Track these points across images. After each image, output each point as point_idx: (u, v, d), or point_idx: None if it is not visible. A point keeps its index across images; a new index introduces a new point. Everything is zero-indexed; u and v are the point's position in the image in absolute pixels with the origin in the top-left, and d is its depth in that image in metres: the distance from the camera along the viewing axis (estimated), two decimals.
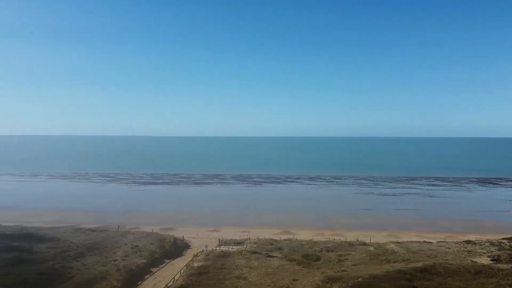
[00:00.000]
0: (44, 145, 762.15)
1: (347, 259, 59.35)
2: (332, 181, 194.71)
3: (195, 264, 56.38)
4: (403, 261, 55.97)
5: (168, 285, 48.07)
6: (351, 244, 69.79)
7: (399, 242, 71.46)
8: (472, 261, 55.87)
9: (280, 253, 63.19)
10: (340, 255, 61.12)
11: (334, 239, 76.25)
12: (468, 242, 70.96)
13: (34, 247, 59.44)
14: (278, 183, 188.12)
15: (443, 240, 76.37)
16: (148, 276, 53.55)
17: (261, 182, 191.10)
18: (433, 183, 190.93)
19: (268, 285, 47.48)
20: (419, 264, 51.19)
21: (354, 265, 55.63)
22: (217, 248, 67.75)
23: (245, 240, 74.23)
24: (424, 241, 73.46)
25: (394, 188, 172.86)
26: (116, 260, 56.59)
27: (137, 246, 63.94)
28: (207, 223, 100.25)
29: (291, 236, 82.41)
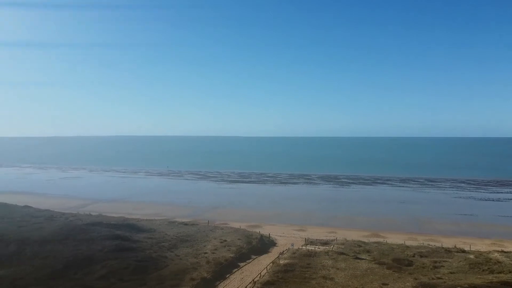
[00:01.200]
0: (133, 144, 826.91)
1: (443, 266, 55.05)
2: (426, 184, 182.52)
3: (281, 262, 56.61)
4: (510, 272, 50.36)
5: (254, 280, 48.87)
6: (447, 251, 64.65)
7: (505, 252, 64.49)
8: None
9: (369, 255, 60.73)
10: (435, 262, 56.90)
11: (429, 245, 71.24)
12: None
13: (134, 237, 64.45)
14: (367, 184, 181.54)
15: None
16: (235, 270, 55.00)
17: (349, 183, 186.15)
18: None
19: None
20: None
21: (451, 273, 51.42)
22: (303, 247, 67.30)
23: (332, 240, 72.70)
24: None
25: (499, 192, 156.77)
26: (206, 253, 59.07)
27: (225, 240, 66.06)
28: (293, 222, 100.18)
29: (380, 239, 78.80)
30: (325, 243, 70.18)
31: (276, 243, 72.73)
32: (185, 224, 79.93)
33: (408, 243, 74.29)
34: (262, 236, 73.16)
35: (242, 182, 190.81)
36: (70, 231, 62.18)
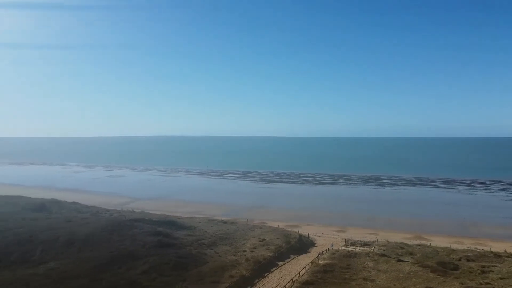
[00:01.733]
0: (174, 144, 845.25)
1: (492, 271, 52.30)
2: (473, 186, 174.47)
3: (321, 262, 55.91)
4: None
5: (293, 279, 48.56)
6: (497, 255, 61.43)
7: None
8: None
9: (412, 258, 58.75)
10: (484, 266, 54.21)
11: (476, 249, 67.98)
12: None
13: (175, 233, 65.80)
14: (410, 185, 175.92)
15: None
16: (274, 268, 54.86)
17: (391, 184, 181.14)
18: None
19: None
20: None
21: (501, 278, 48.78)
22: (343, 247, 66.18)
23: (373, 242, 70.98)
24: None
25: None
26: (245, 251, 59.35)
27: (264, 239, 66.09)
28: (333, 223, 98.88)
29: (424, 242, 76.17)
30: (366, 244, 68.63)
31: (315, 243, 71.94)
32: (225, 222, 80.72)
33: (454, 246, 71.34)
34: (301, 235, 72.58)
35: (281, 182, 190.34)
36: (115, 227, 64.37)
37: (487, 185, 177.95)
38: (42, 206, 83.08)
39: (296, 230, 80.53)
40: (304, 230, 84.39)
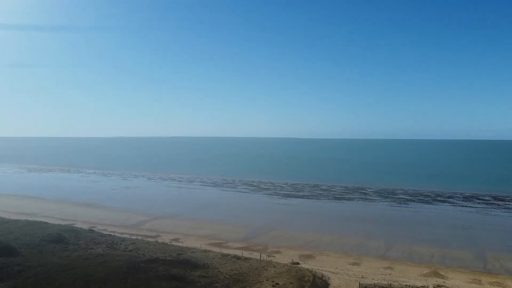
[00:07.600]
0: (182, 146, 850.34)
1: None
2: (493, 204, 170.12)
3: None
4: None
5: None
6: None
7: None
8: None
9: None
10: None
11: None
12: None
13: (189, 276, 65.95)
14: (426, 202, 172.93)
15: None
16: None
17: (407, 200, 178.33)
18: None
19: None
20: None
21: None
22: None
23: (388, 286, 69.99)
24: None
25: None
26: None
27: (277, 284, 65.76)
28: (348, 250, 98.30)
29: (440, 281, 74.93)
30: None
31: (329, 284, 71.36)
32: (238, 258, 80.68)
33: (471, 287, 70.19)
34: (315, 277, 72.01)
35: (295, 196, 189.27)
36: (130, 269, 64.93)
37: (507, 202, 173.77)
38: (59, 237, 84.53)
39: (310, 266, 79.96)
40: (318, 263, 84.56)
